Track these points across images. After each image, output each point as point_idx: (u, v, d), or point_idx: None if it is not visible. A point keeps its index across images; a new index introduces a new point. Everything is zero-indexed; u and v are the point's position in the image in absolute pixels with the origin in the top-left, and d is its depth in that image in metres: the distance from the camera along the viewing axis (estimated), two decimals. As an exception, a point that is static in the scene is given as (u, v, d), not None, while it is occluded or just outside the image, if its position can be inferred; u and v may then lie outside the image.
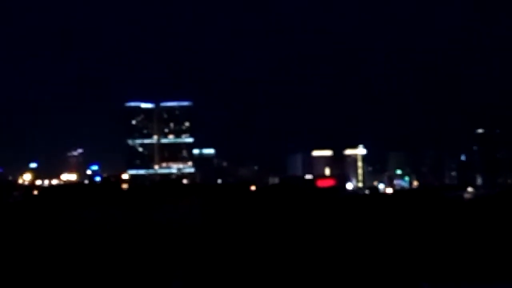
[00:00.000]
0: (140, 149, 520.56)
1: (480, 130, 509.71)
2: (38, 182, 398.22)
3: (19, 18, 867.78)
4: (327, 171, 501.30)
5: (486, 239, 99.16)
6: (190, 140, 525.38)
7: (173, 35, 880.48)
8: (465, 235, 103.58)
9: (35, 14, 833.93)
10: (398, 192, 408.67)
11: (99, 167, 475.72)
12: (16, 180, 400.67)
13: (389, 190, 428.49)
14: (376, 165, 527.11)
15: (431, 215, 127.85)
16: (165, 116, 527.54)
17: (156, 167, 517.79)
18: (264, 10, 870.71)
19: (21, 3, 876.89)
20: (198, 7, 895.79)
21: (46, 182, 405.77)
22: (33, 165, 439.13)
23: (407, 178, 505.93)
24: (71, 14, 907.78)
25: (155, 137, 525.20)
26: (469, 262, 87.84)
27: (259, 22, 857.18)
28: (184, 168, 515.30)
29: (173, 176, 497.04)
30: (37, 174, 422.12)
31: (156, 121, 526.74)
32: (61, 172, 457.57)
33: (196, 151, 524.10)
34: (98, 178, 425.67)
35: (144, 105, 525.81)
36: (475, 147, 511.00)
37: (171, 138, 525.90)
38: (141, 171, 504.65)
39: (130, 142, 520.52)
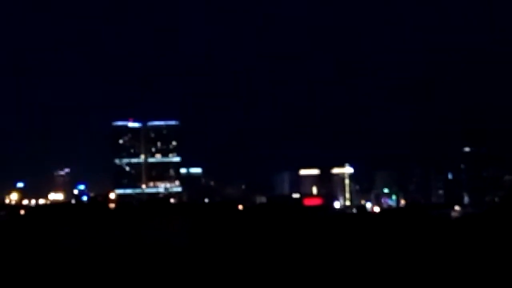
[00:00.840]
0: (127, 169, 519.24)
1: (467, 149, 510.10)
2: (25, 201, 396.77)
3: (5, 37, 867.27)
4: (315, 190, 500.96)
5: (473, 258, 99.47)
6: (177, 159, 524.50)
7: (159, 54, 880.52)
8: (452, 254, 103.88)
9: (21, 32, 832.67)
10: (385, 210, 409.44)
11: (86, 186, 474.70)
12: (3, 200, 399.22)
13: (377, 209, 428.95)
14: (364, 184, 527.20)
15: (417, 234, 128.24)
16: (152, 135, 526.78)
17: (143, 186, 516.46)
18: (253, 31, 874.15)
19: (7, 21, 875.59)
20: (186, 23, 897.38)
21: (33, 201, 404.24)
22: (20, 184, 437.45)
23: (394, 197, 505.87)
24: (58, 33, 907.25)
25: (142, 156, 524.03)
26: (456, 280, 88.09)
27: (247, 38, 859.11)
28: (171, 187, 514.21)
29: (160, 196, 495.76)
30: (24, 193, 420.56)
31: (143, 140, 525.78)
32: (48, 192, 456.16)
33: (183, 170, 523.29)
34: (85, 198, 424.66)
35: (131, 124, 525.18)
36: (462, 166, 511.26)
37: (158, 158, 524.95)
38: (128, 191, 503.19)
39: (117, 161, 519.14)
